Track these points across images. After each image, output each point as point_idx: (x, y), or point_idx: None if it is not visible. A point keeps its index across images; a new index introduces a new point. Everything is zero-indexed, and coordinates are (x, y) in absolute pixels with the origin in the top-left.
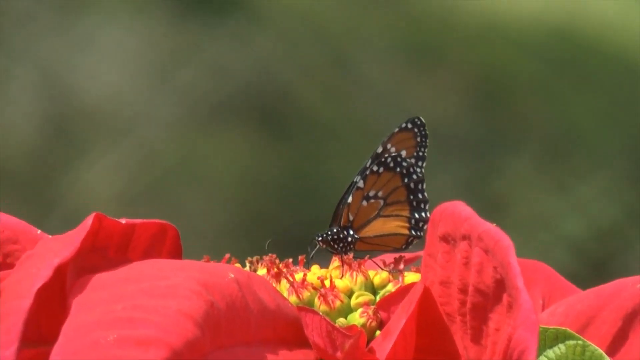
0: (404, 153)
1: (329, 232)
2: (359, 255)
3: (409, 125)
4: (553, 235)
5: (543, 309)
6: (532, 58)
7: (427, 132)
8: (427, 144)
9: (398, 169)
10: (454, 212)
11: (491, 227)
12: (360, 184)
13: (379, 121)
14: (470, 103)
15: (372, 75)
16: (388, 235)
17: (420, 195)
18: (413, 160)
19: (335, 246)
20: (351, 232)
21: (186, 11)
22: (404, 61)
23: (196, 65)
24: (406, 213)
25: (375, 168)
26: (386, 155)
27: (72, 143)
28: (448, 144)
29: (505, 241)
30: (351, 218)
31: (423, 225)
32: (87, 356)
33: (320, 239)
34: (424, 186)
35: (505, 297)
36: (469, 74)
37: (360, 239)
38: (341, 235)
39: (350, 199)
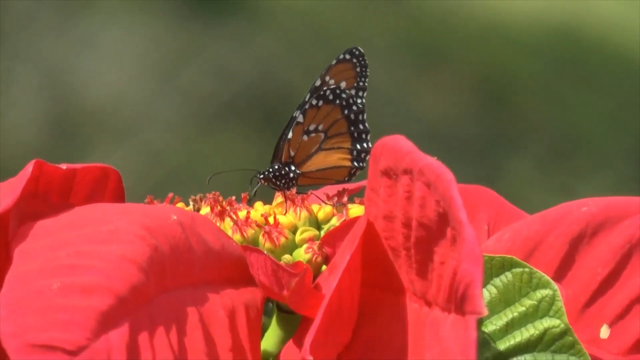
0: (343, 84)
1: (270, 169)
2: (302, 191)
3: (347, 56)
4: None
5: (489, 234)
6: (534, 58)
7: (367, 62)
8: (367, 74)
9: (337, 101)
10: (395, 146)
11: (432, 161)
12: (300, 118)
13: (381, 121)
14: (471, 103)
15: (373, 75)
16: (330, 168)
17: (361, 126)
18: (353, 91)
19: (278, 183)
20: (293, 168)
21: (188, 12)
22: (405, 61)
23: (198, 66)
24: (348, 145)
25: (314, 102)
26: (325, 88)
27: (74, 143)
28: (449, 144)
29: (447, 175)
30: (292, 154)
31: (365, 156)
32: (31, 305)
33: (261, 176)
34: (365, 117)
35: (449, 230)
36: (470, 74)
37: (303, 174)
38: (283, 172)
39: (290, 135)
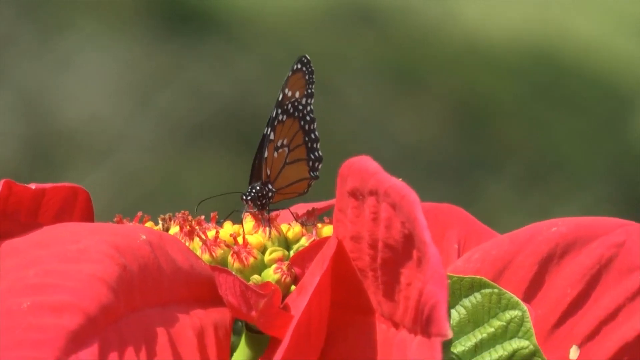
0: (297, 94)
1: (253, 190)
2: (272, 208)
3: (299, 66)
4: None
5: (459, 253)
6: (511, 81)
7: (313, 69)
8: (314, 80)
9: (296, 114)
10: (361, 167)
11: (397, 182)
12: (272, 135)
13: (360, 144)
14: (449, 125)
15: (352, 98)
16: (295, 182)
17: (312, 135)
18: (304, 100)
19: (259, 203)
20: (270, 187)
21: (165, 33)
22: (383, 83)
23: (175, 87)
24: (304, 155)
25: (280, 117)
26: (287, 102)
27: (51, 165)
28: (427, 165)
29: (412, 196)
30: (269, 172)
31: (318, 165)
32: (0, 323)
33: (249, 197)
34: (315, 125)
35: (414, 252)
36: (447, 96)
37: (277, 191)
38: (264, 192)
39: (266, 154)
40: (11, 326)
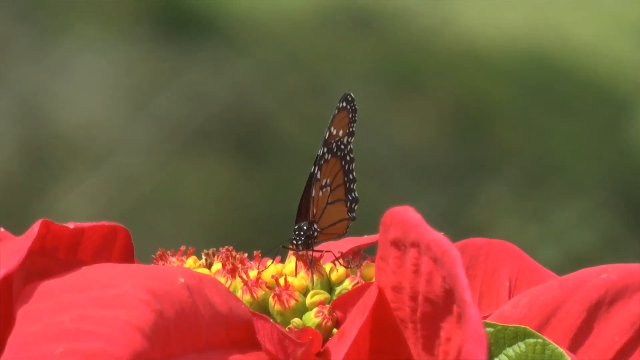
0: (341, 132)
1: (301, 232)
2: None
3: (344, 104)
4: None
5: (510, 291)
6: (508, 85)
7: (357, 107)
8: (356, 118)
9: (339, 153)
10: (403, 218)
11: (439, 237)
12: (318, 174)
13: (356, 148)
14: (445, 129)
15: None
16: (336, 222)
17: (351, 176)
18: (346, 139)
19: (306, 243)
20: (315, 227)
21: (162, 37)
22: (379, 87)
23: (173, 91)
24: (343, 196)
25: (326, 156)
26: (332, 141)
27: (48, 169)
28: (426, 170)
29: (453, 252)
30: (315, 212)
31: (355, 206)
32: None
33: (299, 242)
34: (354, 166)
35: (455, 307)
36: (444, 100)
37: (320, 231)
38: (310, 232)
39: (313, 193)
40: None
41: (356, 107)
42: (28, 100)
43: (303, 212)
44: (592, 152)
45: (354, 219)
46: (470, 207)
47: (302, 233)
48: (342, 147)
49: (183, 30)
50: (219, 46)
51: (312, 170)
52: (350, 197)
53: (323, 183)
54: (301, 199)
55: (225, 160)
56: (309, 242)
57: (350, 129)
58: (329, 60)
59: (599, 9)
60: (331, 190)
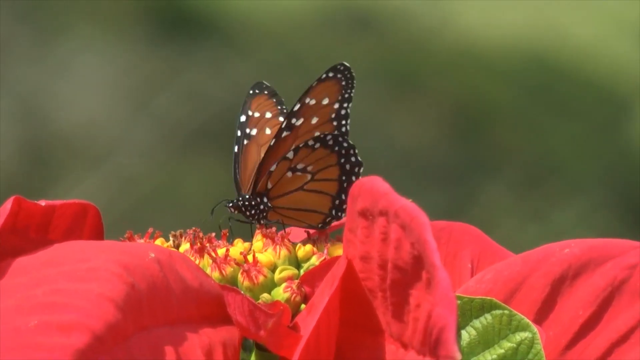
0: (326, 100)
1: (240, 199)
2: (282, 226)
3: (331, 74)
4: None
5: (472, 272)
6: (508, 85)
7: (354, 74)
8: (354, 85)
9: (337, 148)
10: (372, 188)
11: (408, 203)
12: (290, 155)
13: (357, 147)
14: (445, 129)
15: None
16: (305, 210)
17: (353, 178)
18: (337, 105)
19: (247, 213)
20: (265, 200)
21: (162, 37)
22: (381, 88)
23: (173, 91)
24: (333, 192)
25: (310, 142)
26: (326, 133)
27: (48, 169)
28: (426, 170)
29: (422, 218)
30: (269, 186)
31: (344, 207)
32: (8, 343)
33: (230, 204)
34: (361, 170)
35: (424, 274)
36: (444, 101)
37: (273, 208)
38: (253, 202)
39: (273, 168)
40: (18, 345)
41: (352, 74)
42: (28, 100)
43: (245, 183)
44: (591, 152)
45: (338, 218)
46: (470, 207)
47: (241, 200)
48: (344, 145)
49: (183, 30)
50: (218, 46)
51: (270, 144)
52: (343, 197)
53: (298, 167)
54: (234, 170)
55: (225, 160)
56: (253, 212)
57: (346, 95)
58: (329, 60)
59: (599, 9)
60: (313, 179)
